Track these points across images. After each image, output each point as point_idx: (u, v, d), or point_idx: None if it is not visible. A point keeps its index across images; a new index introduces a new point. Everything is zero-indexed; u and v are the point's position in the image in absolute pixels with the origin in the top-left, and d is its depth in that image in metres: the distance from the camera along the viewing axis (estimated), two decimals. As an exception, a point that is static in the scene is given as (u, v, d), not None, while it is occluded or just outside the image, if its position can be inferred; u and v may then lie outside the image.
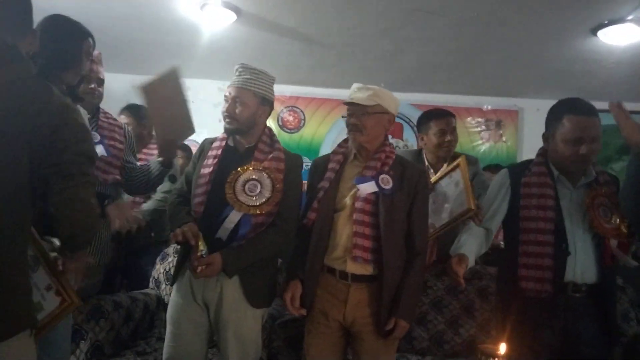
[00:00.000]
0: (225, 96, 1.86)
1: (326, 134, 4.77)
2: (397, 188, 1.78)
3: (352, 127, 1.83)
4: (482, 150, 4.75)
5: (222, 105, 1.87)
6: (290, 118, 4.77)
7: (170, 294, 2.56)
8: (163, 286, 2.59)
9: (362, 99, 1.79)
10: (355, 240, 1.71)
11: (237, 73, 1.85)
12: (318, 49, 3.80)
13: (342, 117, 1.96)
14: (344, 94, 4.80)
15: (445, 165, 2.50)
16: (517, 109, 4.76)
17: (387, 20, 3.23)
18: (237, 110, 1.81)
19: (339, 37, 3.55)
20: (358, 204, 1.74)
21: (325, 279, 1.77)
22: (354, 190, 1.78)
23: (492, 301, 2.44)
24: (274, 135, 1.93)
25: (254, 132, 1.87)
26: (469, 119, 4.77)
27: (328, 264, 1.78)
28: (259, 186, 1.76)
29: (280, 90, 4.74)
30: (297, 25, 3.40)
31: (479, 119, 4.79)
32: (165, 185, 3.05)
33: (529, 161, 1.93)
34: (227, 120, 1.83)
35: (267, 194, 1.75)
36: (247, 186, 1.76)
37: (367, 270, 1.73)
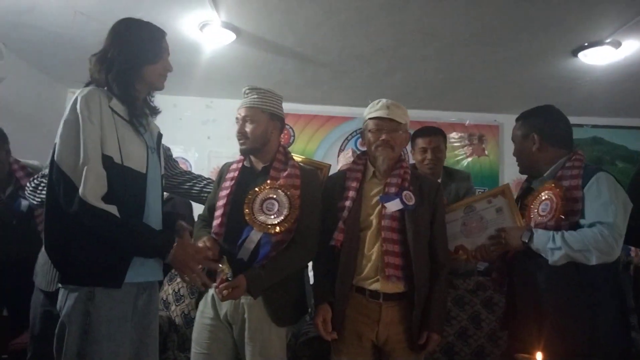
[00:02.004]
0: (236, 118, 1.88)
1: (315, 149, 4.83)
2: (419, 203, 1.83)
3: (382, 144, 1.85)
4: (465, 164, 4.92)
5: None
6: (280, 134, 4.81)
7: (179, 314, 2.57)
8: (173, 307, 2.57)
9: (398, 116, 1.84)
10: (387, 259, 1.74)
11: (245, 95, 1.89)
12: (311, 67, 3.87)
13: (369, 131, 1.89)
14: (332, 110, 4.98)
15: (439, 180, 2.61)
16: (498, 124, 4.96)
17: (384, 41, 3.33)
18: (247, 129, 1.84)
19: (334, 57, 3.64)
20: (385, 222, 1.78)
21: (355, 300, 1.78)
22: (378, 208, 1.82)
23: (497, 311, 2.55)
24: (289, 152, 1.95)
25: (268, 150, 1.88)
26: (453, 134, 4.93)
27: (357, 284, 1.79)
28: (276, 204, 1.78)
29: (270, 107, 4.77)
30: (295, 45, 3.47)
31: (462, 134, 4.97)
32: None
33: None
34: (240, 141, 1.86)
35: (285, 211, 1.76)
36: (265, 205, 1.78)
37: (399, 287, 1.77)
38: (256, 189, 1.79)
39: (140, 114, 1.57)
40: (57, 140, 1.43)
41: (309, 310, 2.00)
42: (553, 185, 1.74)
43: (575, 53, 3.38)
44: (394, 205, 1.80)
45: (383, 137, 1.84)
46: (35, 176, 2.10)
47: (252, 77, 4.02)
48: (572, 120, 5.25)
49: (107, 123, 1.44)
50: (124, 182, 1.45)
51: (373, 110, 1.88)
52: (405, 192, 1.82)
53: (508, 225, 1.87)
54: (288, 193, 1.78)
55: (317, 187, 1.91)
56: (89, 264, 1.41)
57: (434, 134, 2.61)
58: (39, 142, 3.83)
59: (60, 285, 1.45)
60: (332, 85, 4.25)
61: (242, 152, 1.89)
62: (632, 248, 3.57)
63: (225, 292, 1.67)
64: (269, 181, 1.81)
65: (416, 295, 1.74)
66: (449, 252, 1.94)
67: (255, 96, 1.86)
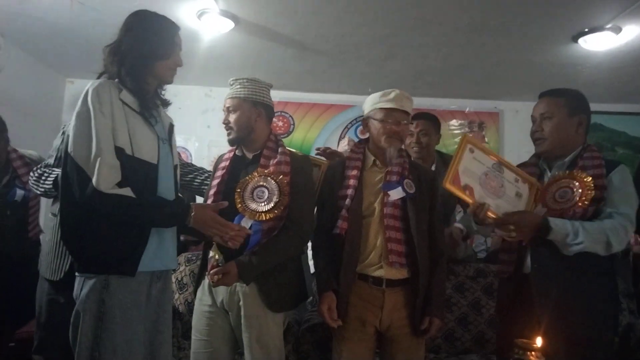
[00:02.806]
0: (223, 111, 1.92)
1: (315, 138, 4.82)
2: (418, 191, 1.86)
3: (395, 135, 1.86)
4: (465, 151, 4.91)
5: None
6: (280, 123, 4.80)
7: (183, 302, 2.59)
8: (176, 295, 2.59)
9: (408, 108, 1.87)
10: (390, 245, 1.76)
11: (229, 87, 1.91)
12: (311, 55, 3.85)
13: (357, 120, 2.01)
14: (332, 98, 4.96)
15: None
16: (498, 110, 4.95)
17: (383, 28, 3.31)
18: (230, 119, 1.87)
19: (333, 44, 3.62)
20: (387, 210, 1.80)
21: (358, 286, 1.80)
22: (380, 196, 1.84)
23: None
24: (280, 140, 1.96)
25: (256, 138, 1.89)
26: (453, 121, 4.92)
27: (360, 271, 1.81)
28: (266, 192, 1.79)
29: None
30: (293, 33, 3.45)
31: (462, 121, 4.96)
32: None
33: None
34: (227, 132, 1.89)
35: (275, 198, 1.77)
36: (255, 193, 1.80)
37: (402, 274, 1.79)
38: (247, 177, 1.81)
39: (151, 105, 1.58)
40: (70, 132, 1.45)
41: (310, 298, 2.02)
42: (577, 173, 1.72)
43: (575, 39, 3.36)
44: (396, 194, 1.82)
45: (395, 128, 1.85)
46: (39, 166, 2.11)
47: (250, 65, 4.01)
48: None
49: (117, 115, 1.46)
50: (135, 173, 1.47)
51: (385, 99, 1.86)
52: (406, 180, 1.85)
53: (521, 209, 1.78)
54: (277, 180, 1.79)
55: (308, 174, 1.92)
56: (103, 252, 1.43)
57: (421, 118, 2.65)
58: (37, 132, 3.85)
59: (76, 274, 1.48)
60: (332, 73, 4.23)
61: (230, 142, 1.91)
62: (632, 235, 3.59)
63: (215, 277, 1.70)
64: (258, 169, 1.82)
65: (420, 281, 1.76)
66: (459, 186, 1.77)
67: (238, 86, 1.88)
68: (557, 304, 1.68)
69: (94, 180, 1.38)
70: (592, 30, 3.22)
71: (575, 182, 1.72)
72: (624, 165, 1.77)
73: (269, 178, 1.79)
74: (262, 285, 1.77)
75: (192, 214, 1.53)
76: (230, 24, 3.26)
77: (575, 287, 1.69)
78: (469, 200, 1.78)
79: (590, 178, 1.70)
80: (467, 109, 4.95)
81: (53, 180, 1.94)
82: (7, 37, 3.63)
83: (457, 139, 4.92)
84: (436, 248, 1.85)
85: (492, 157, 1.86)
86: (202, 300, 1.86)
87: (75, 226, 1.46)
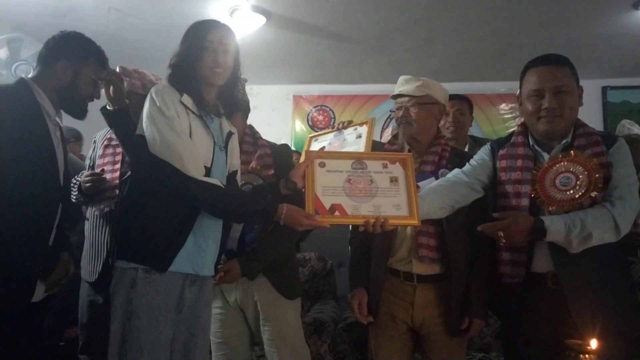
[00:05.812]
0: None
1: (357, 130, 4.72)
2: None
3: (401, 120, 1.79)
4: (517, 136, 4.64)
5: None
6: (320, 117, 4.74)
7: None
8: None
9: (410, 90, 1.76)
10: (420, 239, 1.66)
11: None
12: (347, 45, 3.76)
13: (391, 110, 1.92)
14: (373, 89, 4.81)
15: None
16: (552, 91, 4.63)
17: (418, 11, 3.17)
18: None
19: (368, 32, 3.51)
20: None
21: (390, 281, 1.73)
22: None
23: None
24: (257, 132, 1.94)
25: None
26: (503, 105, 4.66)
27: (391, 266, 1.74)
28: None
29: (309, 89, 4.71)
30: (326, 23, 3.37)
31: (513, 105, 4.67)
32: None
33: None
34: None
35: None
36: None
37: (434, 269, 1.68)
38: None
39: (209, 110, 1.59)
40: (146, 132, 1.47)
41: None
42: (577, 155, 1.49)
43: (636, 6, 3.07)
44: (428, 184, 1.70)
45: (401, 113, 1.78)
46: (77, 175, 2.15)
47: (286, 60, 3.97)
48: (635, 81, 4.78)
49: (182, 116, 1.49)
50: None
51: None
52: (442, 170, 1.74)
53: (401, 199, 1.56)
54: (262, 174, 1.79)
55: (291, 162, 1.91)
56: (141, 242, 1.44)
57: (456, 98, 2.52)
58: (85, 139, 3.99)
59: (116, 263, 1.49)
60: (370, 62, 4.11)
61: None
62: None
63: (217, 276, 1.70)
64: (241, 166, 1.78)
65: (453, 277, 1.64)
66: (325, 213, 1.53)
67: None
68: (593, 300, 1.46)
69: (184, 169, 1.43)
70: (656, -6, 2.93)
71: (577, 165, 1.50)
72: (623, 139, 1.56)
73: (253, 174, 1.78)
74: (272, 276, 1.81)
75: (284, 212, 1.47)
76: (262, 20, 3.23)
77: (604, 278, 1.48)
78: (346, 221, 1.58)
79: (594, 159, 1.48)
80: (518, 92, 4.66)
81: (77, 188, 2.01)
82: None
83: (508, 124, 4.65)
84: (478, 241, 1.71)
85: (348, 157, 1.66)
86: (214, 303, 1.85)
87: (130, 217, 1.49)
